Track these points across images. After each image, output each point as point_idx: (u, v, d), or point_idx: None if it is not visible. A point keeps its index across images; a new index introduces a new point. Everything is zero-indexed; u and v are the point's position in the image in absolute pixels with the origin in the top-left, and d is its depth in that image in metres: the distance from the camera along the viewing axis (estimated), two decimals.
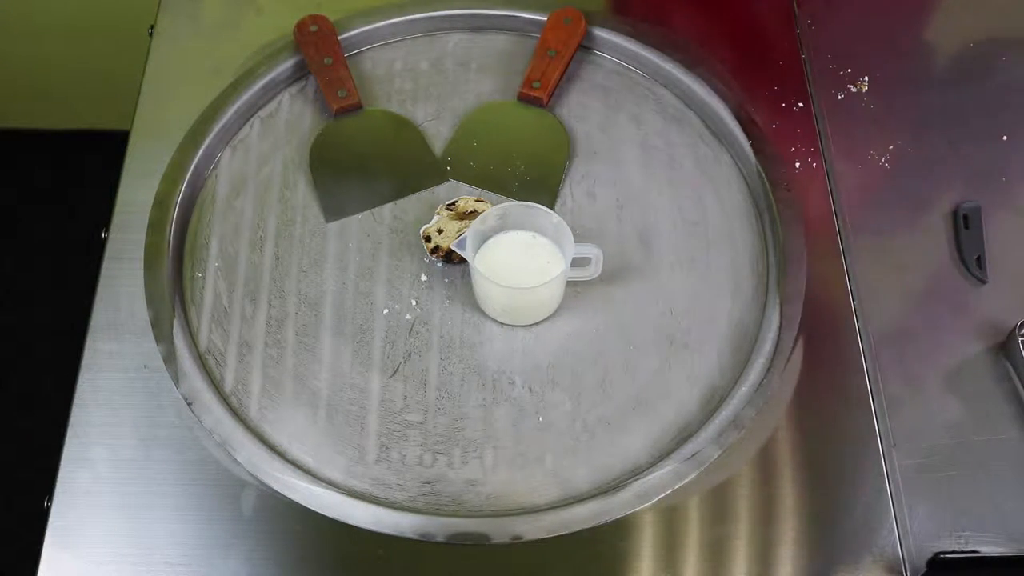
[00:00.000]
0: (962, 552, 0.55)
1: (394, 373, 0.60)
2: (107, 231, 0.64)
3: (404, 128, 0.70)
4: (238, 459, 0.56)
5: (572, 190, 0.67)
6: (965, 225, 0.66)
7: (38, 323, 1.36)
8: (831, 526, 0.55)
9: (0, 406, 1.32)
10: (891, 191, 0.68)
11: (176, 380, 0.58)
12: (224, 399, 0.58)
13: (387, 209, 0.66)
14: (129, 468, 0.56)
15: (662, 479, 0.56)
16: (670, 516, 0.55)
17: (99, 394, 0.58)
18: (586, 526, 0.54)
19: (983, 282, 0.64)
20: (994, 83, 0.74)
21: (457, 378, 0.60)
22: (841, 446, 0.58)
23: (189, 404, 0.57)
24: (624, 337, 0.62)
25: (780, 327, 0.60)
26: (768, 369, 0.59)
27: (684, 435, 0.58)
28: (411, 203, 0.67)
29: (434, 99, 0.72)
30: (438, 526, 0.54)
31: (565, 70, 0.71)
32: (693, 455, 0.56)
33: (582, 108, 0.71)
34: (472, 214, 0.64)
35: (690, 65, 0.72)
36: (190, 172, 0.66)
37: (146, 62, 0.72)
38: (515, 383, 0.60)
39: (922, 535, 0.55)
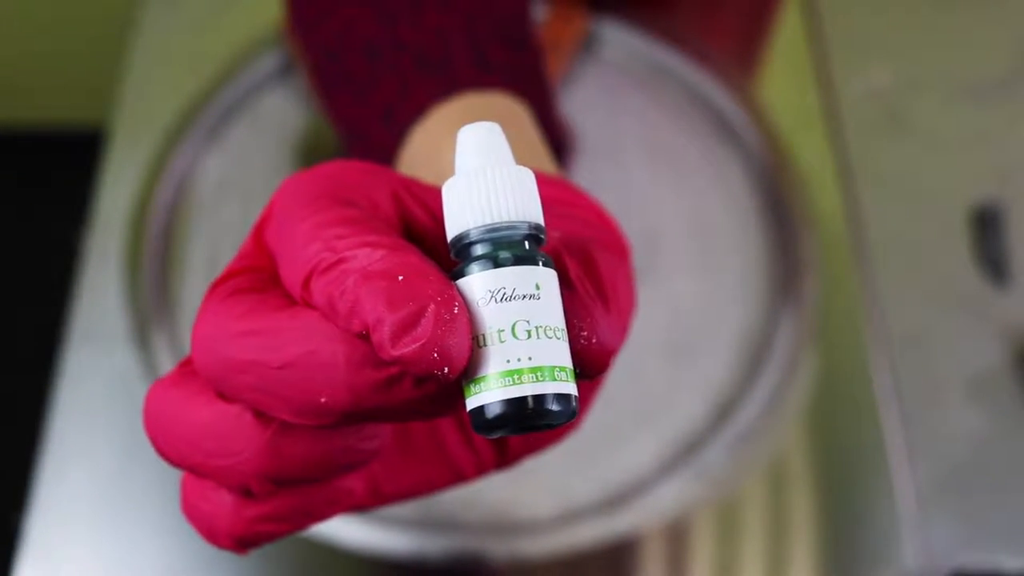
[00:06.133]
0: (983, 568, 0.54)
1: None
2: (85, 234, 0.63)
3: None
4: None
5: None
6: (987, 225, 0.65)
7: (11, 331, 1.34)
8: (846, 541, 0.54)
9: None
10: (909, 190, 0.67)
11: None
12: None
13: None
14: (109, 483, 0.55)
15: (668, 493, 0.54)
16: (677, 531, 0.54)
17: (77, 405, 0.57)
18: (590, 542, 0.53)
19: (1006, 285, 0.63)
20: (1013, 77, 0.72)
21: None
22: (856, 458, 0.57)
23: None
24: (628, 344, 0.60)
25: (792, 333, 0.59)
26: (780, 378, 0.58)
27: (691, 447, 0.56)
28: None
29: None
30: (433, 543, 0.53)
31: (568, 66, 0.69)
32: (701, 468, 0.55)
33: (585, 105, 0.69)
34: None
35: (699, 61, 0.70)
36: (173, 172, 0.64)
37: (126, 56, 0.70)
38: None
39: (941, 550, 0.54)
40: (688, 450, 0.56)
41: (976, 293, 0.63)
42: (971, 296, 0.63)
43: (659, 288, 0.62)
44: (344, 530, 0.53)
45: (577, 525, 0.53)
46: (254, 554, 0.52)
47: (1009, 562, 0.54)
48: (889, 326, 0.61)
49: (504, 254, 0.22)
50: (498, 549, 0.53)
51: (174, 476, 0.54)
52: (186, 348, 0.59)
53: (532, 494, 0.55)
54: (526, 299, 0.21)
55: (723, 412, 0.57)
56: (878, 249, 0.64)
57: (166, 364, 0.57)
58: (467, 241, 0.22)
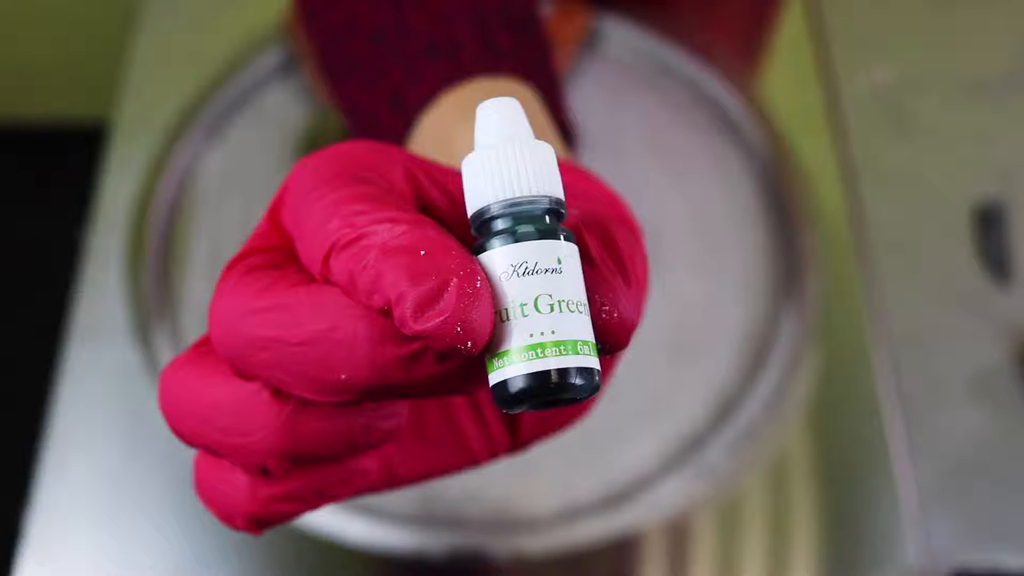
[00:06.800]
0: (984, 566, 0.53)
1: None
2: (87, 231, 0.62)
3: None
4: None
5: None
6: (989, 224, 0.64)
7: (11, 329, 1.34)
8: (847, 539, 0.54)
9: None
10: (911, 188, 0.67)
11: None
12: None
13: None
14: (110, 480, 0.54)
15: (670, 491, 0.54)
16: (678, 529, 0.54)
17: (78, 402, 0.56)
18: (591, 540, 0.53)
19: (1008, 284, 0.62)
20: (1016, 76, 0.72)
21: None
22: (857, 456, 0.56)
23: None
24: (630, 342, 0.60)
25: (794, 332, 0.59)
26: (781, 376, 0.57)
27: (693, 445, 0.56)
28: None
29: None
30: (434, 540, 0.52)
31: (571, 63, 0.69)
32: (702, 466, 0.55)
33: (588, 102, 0.68)
34: None
35: (701, 58, 0.69)
36: (175, 169, 0.64)
37: (128, 53, 0.70)
38: None
39: (943, 549, 0.54)
40: (689, 448, 0.56)
41: (978, 292, 0.62)
42: (973, 295, 0.62)
43: (661, 286, 0.61)
44: (346, 526, 0.52)
45: (578, 522, 0.53)
46: (255, 550, 0.52)
47: (1010, 561, 0.54)
48: (891, 325, 0.61)
49: (526, 228, 0.21)
50: (499, 546, 0.53)
51: (176, 473, 0.54)
52: (188, 344, 0.59)
53: (534, 491, 0.55)
54: (548, 273, 0.21)
55: (724, 410, 0.57)
56: (880, 247, 0.64)
57: (168, 360, 0.57)
58: (488, 216, 0.22)
